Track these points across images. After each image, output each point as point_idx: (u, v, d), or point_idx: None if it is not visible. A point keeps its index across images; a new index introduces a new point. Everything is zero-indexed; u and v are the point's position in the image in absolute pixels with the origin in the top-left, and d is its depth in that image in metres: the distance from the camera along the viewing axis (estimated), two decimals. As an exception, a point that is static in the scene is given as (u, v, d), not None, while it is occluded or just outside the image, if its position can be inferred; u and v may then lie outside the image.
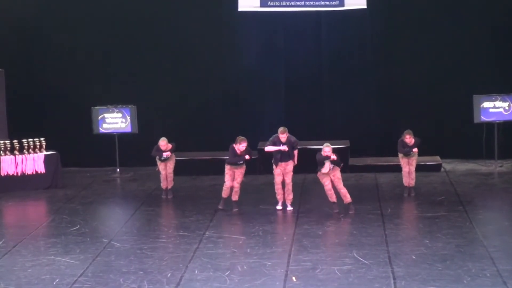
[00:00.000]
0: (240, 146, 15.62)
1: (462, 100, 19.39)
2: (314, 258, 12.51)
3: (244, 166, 15.84)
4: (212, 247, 13.27)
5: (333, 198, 15.29)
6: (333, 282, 11.41)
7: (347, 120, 20.29)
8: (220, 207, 15.88)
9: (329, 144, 15.27)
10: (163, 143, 16.84)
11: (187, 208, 16.07)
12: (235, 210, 15.78)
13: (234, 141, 15.73)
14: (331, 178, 15.25)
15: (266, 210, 15.75)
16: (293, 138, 15.73)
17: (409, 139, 16.44)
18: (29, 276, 12.02)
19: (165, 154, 16.84)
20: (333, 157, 15.10)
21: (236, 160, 15.69)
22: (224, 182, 15.85)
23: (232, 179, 15.81)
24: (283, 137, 15.59)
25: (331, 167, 15.18)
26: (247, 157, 15.71)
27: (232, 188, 15.81)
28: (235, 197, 15.87)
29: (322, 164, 15.14)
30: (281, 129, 15.69)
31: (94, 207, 16.51)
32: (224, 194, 15.90)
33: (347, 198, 15.30)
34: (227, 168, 15.83)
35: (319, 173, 15.31)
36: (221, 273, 11.91)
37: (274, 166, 15.82)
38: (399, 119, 19.00)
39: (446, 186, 17.51)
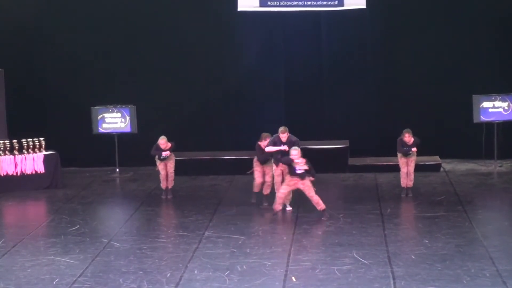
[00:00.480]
0: (266, 143, 15.79)
1: (462, 100, 19.38)
2: (313, 258, 12.51)
3: (273, 160, 15.94)
4: (211, 247, 13.26)
5: (278, 207, 15.08)
6: (333, 282, 11.40)
7: (347, 120, 20.28)
8: (252, 201, 16.07)
9: (297, 148, 15.02)
10: (162, 141, 16.82)
11: (187, 208, 16.07)
12: (265, 204, 15.88)
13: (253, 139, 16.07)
14: (299, 187, 14.98)
15: (265, 210, 15.73)
16: (294, 138, 15.71)
17: (408, 137, 16.43)
18: (28, 276, 12.01)
19: (164, 153, 16.82)
20: (297, 160, 14.81)
21: (264, 156, 15.85)
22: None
23: (262, 175, 16.00)
24: (284, 136, 15.58)
25: (302, 170, 14.94)
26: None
27: (263, 183, 16.01)
28: (266, 191, 16.06)
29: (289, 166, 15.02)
30: (281, 128, 15.68)
31: (94, 207, 16.51)
32: (256, 189, 16.08)
33: (320, 205, 14.96)
34: (256, 165, 16.00)
35: (288, 177, 15.11)
36: (221, 273, 11.91)
37: (274, 166, 15.81)
38: (399, 119, 18.96)
39: (445, 186, 17.50)
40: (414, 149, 16.50)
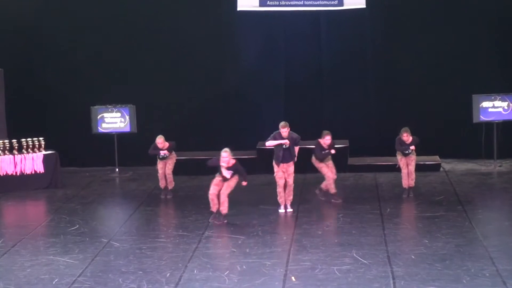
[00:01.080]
0: (325, 140, 15.95)
1: (462, 100, 19.38)
2: (313, 258, 12.50)
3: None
4: (211, 247, 13.27)
5: (214, 208, 14.86)
6: (333, 282, 11.40)
7: (346, 120, 20.27)
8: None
9: (227, 150, 14.80)
10: (160, 140, 16.80)
11: (186, 208, 16.07)
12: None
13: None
14: (224, 184, 14.82)
15: (265, 210, 15.73)
16: (295, 135, 15.70)
17: (406, 136, 16.42)
18: (28, 275, 12.01)
19: (162, 153, 16.81)
20: (223, 164, 14.62)
21: (324, 155, 16.00)
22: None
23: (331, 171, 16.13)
24: (284, 131, 15.54)
25: (230, 173, 14.77)
26: (332, 151, 16.07)
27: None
28: (331, 188, 16.27)
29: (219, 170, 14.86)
30: (282, 123, 15.63)
31: (93, 207, 16.50)
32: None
33: (224, 209, 14.77)
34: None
35: (216, 177, 14.94)
36: (220, 273, 11.91)
37: (275, 168, 15.71)
38: (399, 119, 18.94)
39: (445, 186, 17.50)
40: (412, 147, 16.46)
